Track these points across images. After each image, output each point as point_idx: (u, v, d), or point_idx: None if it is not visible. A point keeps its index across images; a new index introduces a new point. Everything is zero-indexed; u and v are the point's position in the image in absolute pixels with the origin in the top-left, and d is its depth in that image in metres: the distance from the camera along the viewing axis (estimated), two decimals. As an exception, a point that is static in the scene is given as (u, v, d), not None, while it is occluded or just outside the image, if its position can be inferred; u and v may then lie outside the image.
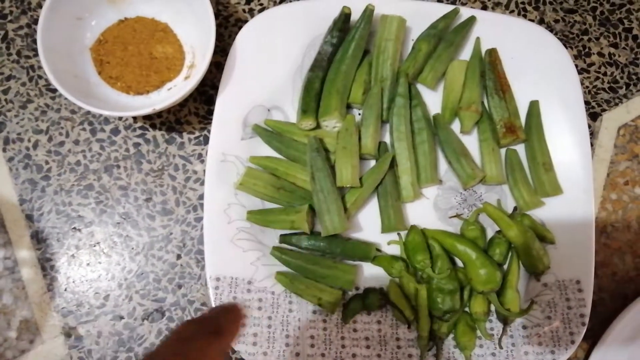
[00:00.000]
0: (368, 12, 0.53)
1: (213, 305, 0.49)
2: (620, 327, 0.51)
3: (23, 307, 0.52)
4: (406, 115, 0.53)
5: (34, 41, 0.57)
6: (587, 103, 0.58)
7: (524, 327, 0.50)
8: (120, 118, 0.56)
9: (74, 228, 0.54)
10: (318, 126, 0.53)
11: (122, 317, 0.52)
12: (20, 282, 0.53)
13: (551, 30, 0.58)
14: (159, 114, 0.56)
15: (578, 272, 0.50)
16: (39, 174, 0.55)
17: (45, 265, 0.53)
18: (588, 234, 0.51)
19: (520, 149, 0.54)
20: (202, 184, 0.54)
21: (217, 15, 0.58)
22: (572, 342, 0.49)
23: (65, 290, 0.53)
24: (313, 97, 0.52)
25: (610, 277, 0.55)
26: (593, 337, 0.52)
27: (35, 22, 0.57)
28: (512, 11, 0.59)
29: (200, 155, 0.55)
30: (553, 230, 0.52)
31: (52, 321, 0.52)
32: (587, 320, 0.49)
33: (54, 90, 0.56)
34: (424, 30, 0.54)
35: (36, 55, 0.57)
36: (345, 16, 0.53)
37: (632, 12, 0.59)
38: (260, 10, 0.58)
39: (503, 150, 0.54)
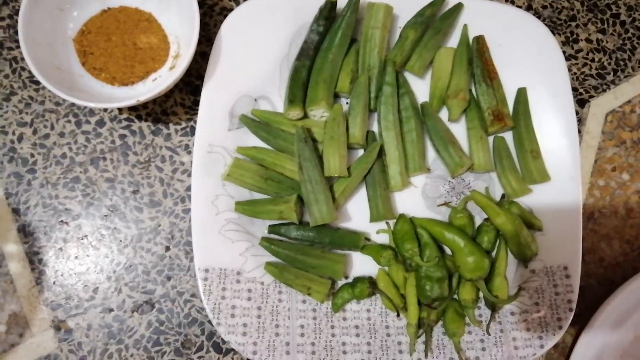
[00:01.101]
0: None
1: (203, 297, 0.49)
2: (608, 312, 0.52)
3: (12, 301, 0.52)
4: (394, 104, 0.52)
5: (17, 32, 0.56)
6: (574, 89, 0.57)
7: (512, 314, 0.51)
8: (105, 110, 0.55)
9: (61, 221, 0.54)
10: (305, 116, 0.53)
11: (111, 310, 0.52)
12: (8, 276, 0.53)
13: (539, 17, 0.58)
14: (144, 105, 0.55)
15: (566, 259, 0.51)
16: (25, 167, 0.54)
17: (33, 259, 0.53)
18: (575, 221, 0.51)
19: (508, 136, 0.54)
20: (190, 175, 0.54)
21: (202, 3, 0.57)
22: (560, 327, 0.49)
23: (54, 283, 0.53)
24: (300, 87, 0.52)
25: (598, 263, 0.55)
26: (581, 322, 0.53)
27: (17, 13, 0.56)
28: (500, -3, 0.59)
29: (187, 146, 0.55)
30: (541, 217, 0.52)
31: (42, 315, 0.52)
32: (574, 306, 0.50)
33: (38, 82, 0.55)
34: (411, 17, 0.54)
35: (19, 46, 0.56)
36: (331, 4, 0.52)
37: (620, -3, 0.59)
38: (246, -1, 0.58)
39: (491, 138, 0.54)
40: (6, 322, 0.52)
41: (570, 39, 0.58)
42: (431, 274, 0.49)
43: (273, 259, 0.51)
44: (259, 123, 0.53)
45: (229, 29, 0.52)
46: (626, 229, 0.56)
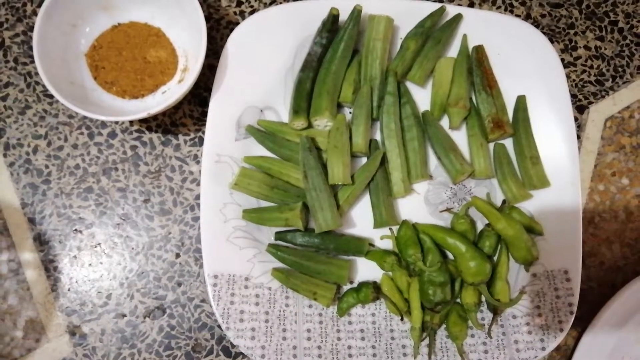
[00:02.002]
0: (356, 12, 0.53)
1: (212, 302, 0.50)
2: (609, 315, 0.53)
3: (28, 308, 0.54)
4: (396, 113, 0.54)
5: (31, 48, 0.58)
6: (574, 96, 0.59)
7: (514, 317, 0.52)
8: (116, 122, 0.57)
9: (75, 230, 0.55)
10: (310, 125, 0.54)
11: (124, 315, 0.54)
12: (24, 284, 0.54)
13: (537, 25, 0.59)
14: (154, 117, 0.57)
15: (566, 263, 0.52)
16: (40, 178, 0.56)
17: (49, 267, 0.55)
18: (575, 225, 0.52)
19: (508, 143, 0.55)
20: (199, 184, 0.56)
21: (208, 18, 0.59)
22: (561, 330, 0.50)
23: (69, 290, 0.54)
24: (304, 98, 0.53)
25: (599, 267, 0.56)
26: (583, 325, 0.54)
27: (31, 29, 0.58)
28: (499, 7, 0.60)
29: (196, 156, 0.57)
30: (541, 221, 0.53)
31: (57, 320, 0.54)
32: (575, 309, 0.51)
33: (52, 96, 0.57)
34: (412, 29, 0.55)
35: (33, 62, 0.58)
36: (333, 17, 0.54)
37: (617, 4, 0.60)
38: (251, 13, 0.59)
39: (491, 145, 0.55)
40: (23, 328, 0.54)
41: (569, 46, 0.59)
42: (434, 278, 0.50)
43: (280, 265, 0.53)
44: (264, 133, 0.54)
45: (235, 42, 0.54)
46: (626, 232, 0.57)
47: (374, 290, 0.51)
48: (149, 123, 0.57)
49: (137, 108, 0.54)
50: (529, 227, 0.52)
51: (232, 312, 0.50)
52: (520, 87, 0.55)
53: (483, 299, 0.52)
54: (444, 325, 0.52)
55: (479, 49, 0.55)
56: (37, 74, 0.58)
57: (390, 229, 0.53)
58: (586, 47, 0.60)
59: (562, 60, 0.55)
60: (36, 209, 0.56)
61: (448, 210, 0.54)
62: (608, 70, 0.59)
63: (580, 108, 0.59)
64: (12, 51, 0.58)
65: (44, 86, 0.58)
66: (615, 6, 0.60)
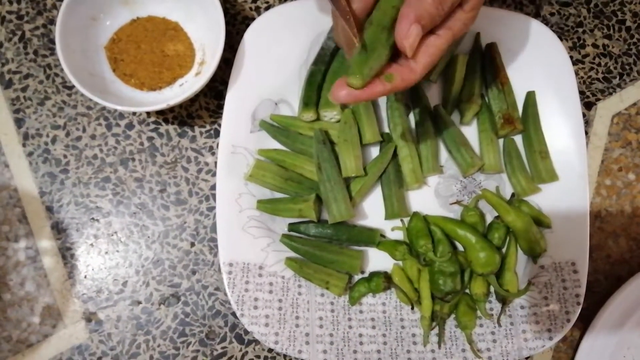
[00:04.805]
0: None
1: (227, 290, 0.51)
2: (615, 306, 0.54)
3: (45, 294, 0.55)
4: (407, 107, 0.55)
5: (50, 40, 0.59)
6: (582, 93, 0.60)
7: (522, 307, 0.53)
8: (134, 113, 0.58)
9: (92, 218, 0.57)
10: (318, 118, 0.55)
11: (139, 302, 0.55)
12: (42, 271, 0.56)
13: (547, 23, 0.60)
14: (171, 109, 0.58)
15: (573, 255, 0.53)
16: (58, 167, 0.57)
17: (66, 254, 0.56)
18: (583, 218, 0.53)
19: (518, 138, 0.56)
20: (214, 175, 0.57)
21: (225, 13, 0.60)
22: (568, 320, 0.51)
23: (85, 277, 0.56)
24: (315, 90, 0.54)
25: (605, 259, 0.57)
26: (589, 316, 0.55)
27: (51, 22, 0.60)
28: (509, 5, 0.61)
29: (211, 147, 0.58)
30: (549, 215, 0.54)
31: (73, 307, 0.55)
32: (582, 300, 0.52)
33: (71, 87, 0.59)
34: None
35: (52, 54, 0.59)
36: (348, 12, 0.55)
37: (625, 4, 0.61)
38: (266, 8, 0.60)
39: (501, 140, 0.56)
40: (40, 314, 0.55)
41: (578, 44, 0.61)
42: (444, 268, 0.51)
43: (293, 254, 0.54)
44: (277, 128, 0.56)
45: (251, 37, 0.55)
46: (632, 226, 0.58)
47: (385, 280, 0.52)
48: (166, 115, 0.58)
49: (155, 100, 0.55)
50: (537, 219, 0.53)
51: (246, 300, 0.52)
52: (530, 83, 0.56)
53: (492, 289, 0.53)
54: (453, 315, 0.53)
55: (492, 47, 0.56)
56: (56, 65, 0.59)
57: (401, 220, 0.54)
58: (594, 45, 0.61)
59: (571, 57, 0.56)
60: (54, 198, 0.57)
61: (458, 202, 0.55)
62: (615, 68, 0.60)
63: (588, 104, 0.60)
64: (32, 44, 0.59)
65: (63, 77, 0.59)
66: (623, 5, 0.61)
